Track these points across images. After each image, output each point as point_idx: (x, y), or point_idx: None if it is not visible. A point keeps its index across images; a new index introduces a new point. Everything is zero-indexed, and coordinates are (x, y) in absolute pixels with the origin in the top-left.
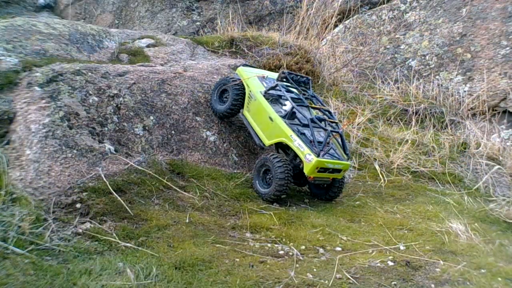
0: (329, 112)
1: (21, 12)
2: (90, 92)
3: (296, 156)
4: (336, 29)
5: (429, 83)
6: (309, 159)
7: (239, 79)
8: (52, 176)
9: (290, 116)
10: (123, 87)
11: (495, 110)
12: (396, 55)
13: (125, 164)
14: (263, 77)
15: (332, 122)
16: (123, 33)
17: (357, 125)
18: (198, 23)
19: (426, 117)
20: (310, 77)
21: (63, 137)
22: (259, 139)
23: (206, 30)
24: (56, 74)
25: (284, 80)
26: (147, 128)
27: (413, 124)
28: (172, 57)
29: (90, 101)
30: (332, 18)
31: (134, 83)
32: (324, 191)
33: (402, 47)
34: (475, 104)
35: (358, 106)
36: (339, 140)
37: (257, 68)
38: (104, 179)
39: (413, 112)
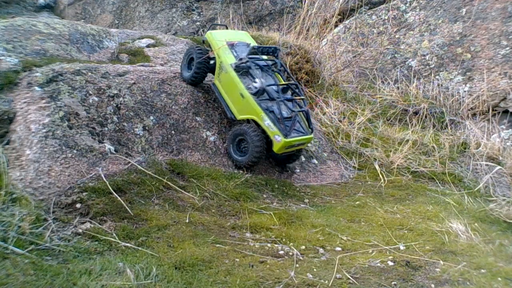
0: (296, 86)
1: (21, 12)
2: (90, 92)
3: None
4: (336, 29)
5: (429, 83)
6: (278, 140)
7: (208, 50)
8: (52, 176)
9: (259, 93)
10: (123, 87)
11: (495, 110)
12: (396, 55)
13: (125, 164)
14: (233, 44)
15: (299, 100)
16: (123, 33)
17: (357, 125)
18: (198, 23)
19: (426, 117)
20: (278, 47)
21: (63, 137)
22: (231, 112)
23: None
24: (56, 74)
25: (255, 52)
26: (147, 128)
27: (413, 124)
28: (172, 57)
29: (90, 101)
30: (332, 18)
31: (134, 83)
32: (286, 157)
33: (402, 47)
34: (475, 104)
35: (358, 106)
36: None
37: (225, 28)
38: (104, 179)
39: (413, 112)
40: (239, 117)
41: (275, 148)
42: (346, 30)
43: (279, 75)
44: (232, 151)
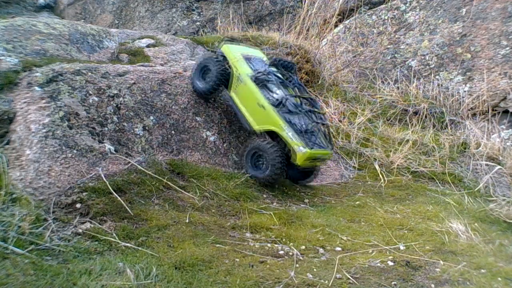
0: (314, 100)
1: (21, 12)
2: (90, 92)
3: (285, 144)
4: (336, 29)
5: (429, 83)
6: (302, 151)
7: (224, 58)
8: (52, 176)
9: (280, 105)
10: (123, 87)
11: (495, 110)
12: (396, 55)
13: (125, 164)
14: (249, 58)
15: (319, 113)
16: (123, 33)
17: (357, 125)
18: (198, 23)
19: (426, 117)
20: (295, 63)
21: (63, 137)
22: (247, 123)
23: (206, 30)
24: (56, 74)
25: (274, 66)
26: (147, 128)
27: (413, 124)
28: (172, 57)
29: (90, 101)
30: (332, 18)
31: (134, 83)
32: (302, 175)
33: (402, 47)
34: (475, 104)
35: (358, 106)
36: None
37: (241, 44)
38: (104, 179)
39: (413, 112)
40: (257, 128)
41: (299, 160)
42: (346, 30)
43: (292, 90)
44: (249, 167)
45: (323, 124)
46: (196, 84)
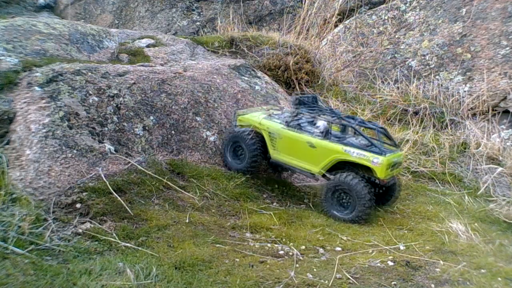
0: (352, 117)
1: (21, 12)
2: (90, 92)
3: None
4: (336, 29)
5: (429, 83)
6: (378, 162)
7: (253, 130)
8: (52, 176)
9: (328, 134)
10: (123, 87)
11: (495, 110)
12: (396, 55)
13: (125, 164)
14: (270, 114)
15: (366, 122)
16: (123, 33)
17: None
18: (198, 23)
19: (426, 117)
20: (316, 95)
21: (63, 137)
22: (308, 171)
23: (206, 30)
24: (56, 74)
25: (299, 103)
26: (147, 128)
27: (413, 124)
28: (172, 57)
29: (90, 101)
30: (332, 18)
31: (134, 83)
32: (385, 194)
33: (402, 47)
34: (475, 104)
35: (358, 106)
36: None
37: (253, 109)
38: (104, 179)
39: (413, 112)
40: (318, 169)
41: (380, 173)
42: (346, 30)
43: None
44: (332, 207)
45: (379, 129)
46: (231, 163)
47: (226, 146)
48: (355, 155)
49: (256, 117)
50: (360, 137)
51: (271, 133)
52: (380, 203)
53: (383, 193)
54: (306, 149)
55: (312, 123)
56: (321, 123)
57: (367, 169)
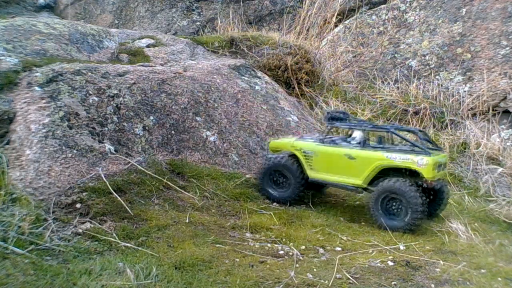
0: (390, 126)
1: (21, 12)
2: (90, 92)
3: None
4: (336, 29)
5: (429, 83)
6: (424, 162)
7: (291, 155)
8: (52, 176)
9: (366, 143)
10: (123, 87)
11: (495, 110)
12: (396, 55)
13: (125, 164)
14: (301, 136)
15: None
16: (123, 33)
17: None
18: (198, 23)
19: (426, 117)
20: (346, 111)
21: (63, 137)
22: (351, 185)
23: (206, 30)
24: (56, 74)
25: (331, 119)
26: (147, 128)
27: (413, 124)
28: (172, 57)
29: (90, 101)
30: (332, 18)
31: (134, 83)
32: (429, 203)
33: (402, 47)
34: (475, 104)
35: (358, 106)
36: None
37: (285, 137)
38: (104, 179)
39: (413, 112)
40: (361, 181)
41: (427, 173)
42: (346, 30)
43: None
44: (381, 215)
45: (419, 132)
46: (270, 194)
47: (264, 176)
48: (399, 159)
49: (288, 140)
50: (399, 143)
51: (306, 152)
52: (429, 211)
53: (431, 201)
54: (345, 163)
55: (346, 140)
56: (357, 134)
57: (412, 175)
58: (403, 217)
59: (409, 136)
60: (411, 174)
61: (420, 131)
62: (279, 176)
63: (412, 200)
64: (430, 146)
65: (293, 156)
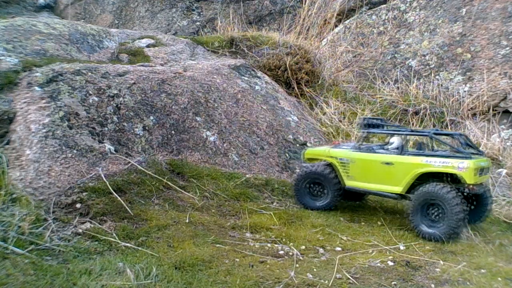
0: (431, 131)
1: (21, 12)
2: (90, 92)
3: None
4: (336, 29)
5: (429, 83)
6: (464, 166)
7: (327, 164)
8: (52, 176)
9: (404, 149)
10: (123, 87)
11: (495, 110)
12: (396, 55)
13: (125, 164)
14: (337, 144)
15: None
16: (123, 33)
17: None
18: (198, 23)
19: (426, 117)
20: (382, 118)
21: (63, 137)
22: (389, 192)
23: (206, 30)
24: (56, 74)
25: (367, 125)
26: (147, 128)
27: (413, 124)
28: (172, 57)
29: (90, 101)
30: (332, 18)
31: (134, 83)
32: (473, 211)
33: (402, 47)
34: (475, 104)
35: (358, 106)
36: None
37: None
38: (104, 179)
39: (413, 112)
40: (400, 188)
41: (468, 177)
42: (346, 30)
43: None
44: (421, 222)
45: (460, 136)
46: (307, 203)
47: (299, 186)
48: (438, 164)
49: (324, 149)
50: (439, 148)
51: (342, 159)
52: (472, 220)
53: (474, 208)
54: (383, 169)
55: (383, 147)
56: (395, 139)
57: (454, 181)
58: (443, 225)
59: (449, 140)
60: (453, 180)
61: (460, 135)
62: (315, 185)
63: (453, 206)
64: (472, 150)
65: (329, 165)
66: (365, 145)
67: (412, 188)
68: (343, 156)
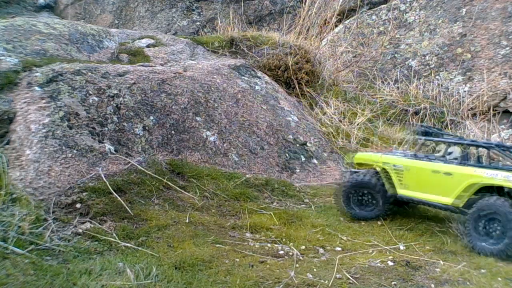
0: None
1: (21, 12)
2: (90, 92)
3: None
4: (336, 29)
5: (429, 83)
6: None
7: (375, 172)
8: (52, 176)
9: (465, 159)
10: (123, 87)
11: (495, 110)
12: (396, 55)
13: (125, 164)
14: (390, 151)
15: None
16: (123, 33)
17: (357, 125)
18: (198, 23)
19: (426, 117)
20: (438, 126)
21: (63, 137)
22: (444, 204)
23: (206, 30)
24: (56, 74)
25: (424, 134)
26: (147, 128)
27: (413, 124)
28: (172, 57)
29: (90, 101)
30: (332, 18)
31: (134, 83)
32: None
33: (402, 47)
34: (475, 104)
35: (358, 106)
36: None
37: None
38: (104, 179)
39: (413, 112)
40: (454, 201)
41: None
42: (346, 30)
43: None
44: (475, 236)
45: None
46: (355, 212)
47: (347, 194)
48: (500, 177)
49: (377, 154)
50: (501, 161)
51: (396, 166)
52: None
53: None
54: (440, 179)
55: (441, 157)
56: (455, 149)
57: (504, 194)
58: (501, 241)
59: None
60: (504, 194)
61: None
62: (363, 193)
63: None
64: None
65: (377, 172)
66: (422, 143)
67: (469, 200)
68: (397, 162)
